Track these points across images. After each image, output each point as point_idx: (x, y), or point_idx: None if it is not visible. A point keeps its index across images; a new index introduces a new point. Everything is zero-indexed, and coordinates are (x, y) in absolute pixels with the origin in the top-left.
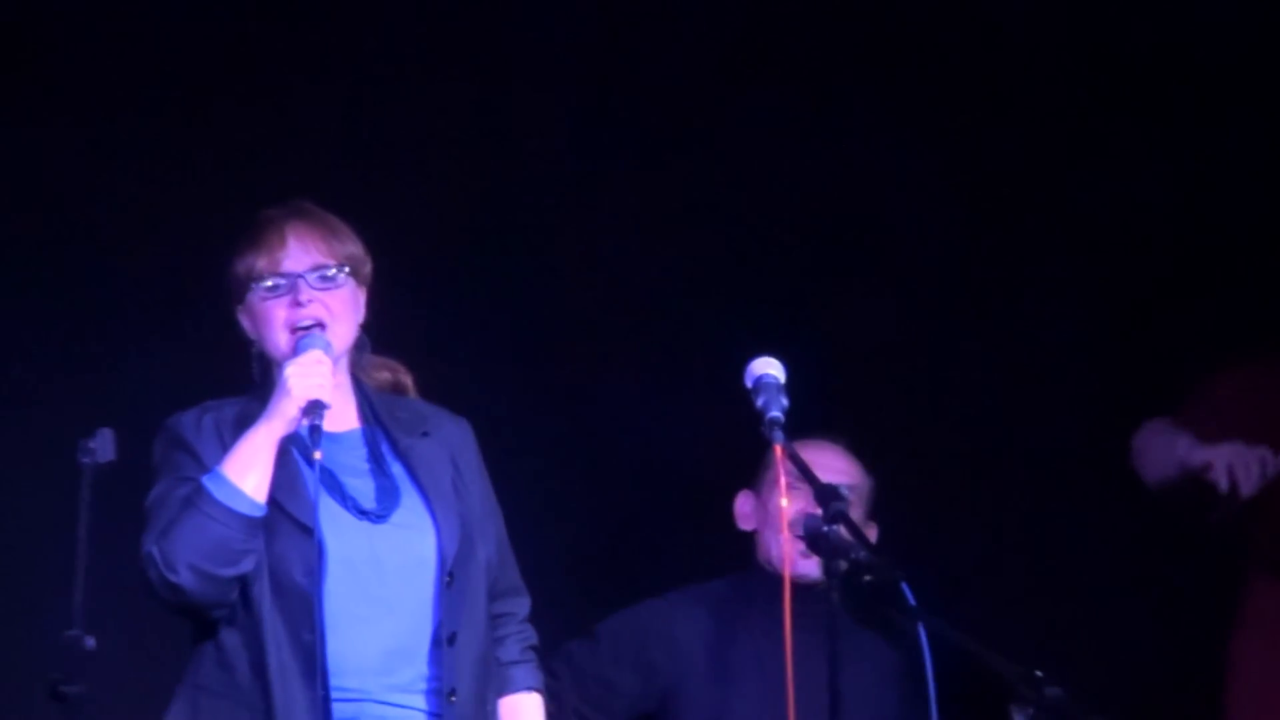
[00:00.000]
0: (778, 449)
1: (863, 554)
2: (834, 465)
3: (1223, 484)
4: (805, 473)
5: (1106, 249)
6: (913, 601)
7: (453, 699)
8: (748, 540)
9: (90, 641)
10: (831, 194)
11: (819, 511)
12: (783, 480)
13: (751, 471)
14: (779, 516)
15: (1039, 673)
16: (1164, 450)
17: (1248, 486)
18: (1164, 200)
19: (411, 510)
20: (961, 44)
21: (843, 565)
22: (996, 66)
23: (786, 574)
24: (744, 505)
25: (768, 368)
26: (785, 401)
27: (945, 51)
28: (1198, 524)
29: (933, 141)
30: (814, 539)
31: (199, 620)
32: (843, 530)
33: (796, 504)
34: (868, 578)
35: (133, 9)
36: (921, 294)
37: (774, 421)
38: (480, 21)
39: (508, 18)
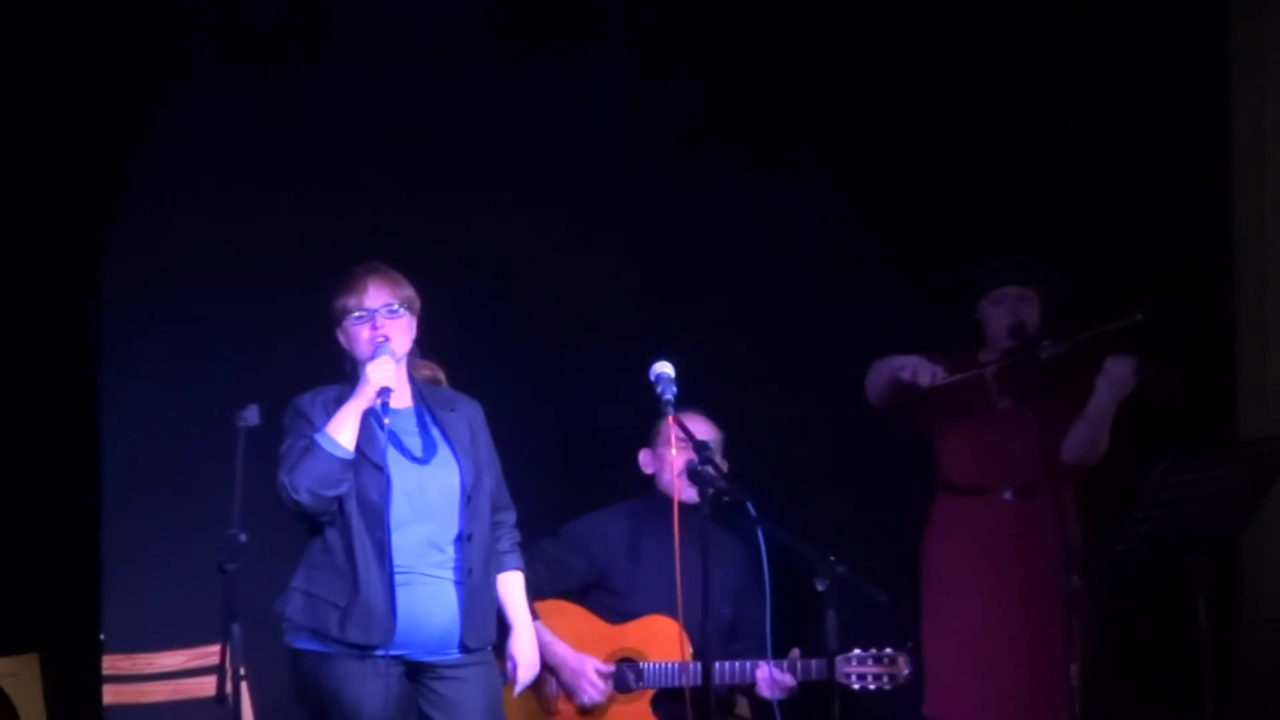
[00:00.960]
0: (670, 418)
1: (723, 483)
2: (701, 429)
3: (906, 376)
4: (688, 433)
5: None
6: (754, 513)
7: (470, 574)
8: (648, 479)
9: (243, 536)
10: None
11: (696, 457)
12: (674, 438)
13: (647, 435)
14: (671, 462)
15: (832, 556)
16: (880, 371)
17: (924, 379)
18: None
19: (444, 457)
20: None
21: (710, 491)
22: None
23: (676, 498)
24: (645, 457)
25: (665, 367)
26: (675, 388)
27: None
28: (906, 440)
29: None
30: (693, 475)
31: (311, 523)
32: (711, 469)
33: (682, 454)
34: (726, 499)
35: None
36: (747, 326)
37: (668, 401)
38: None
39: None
